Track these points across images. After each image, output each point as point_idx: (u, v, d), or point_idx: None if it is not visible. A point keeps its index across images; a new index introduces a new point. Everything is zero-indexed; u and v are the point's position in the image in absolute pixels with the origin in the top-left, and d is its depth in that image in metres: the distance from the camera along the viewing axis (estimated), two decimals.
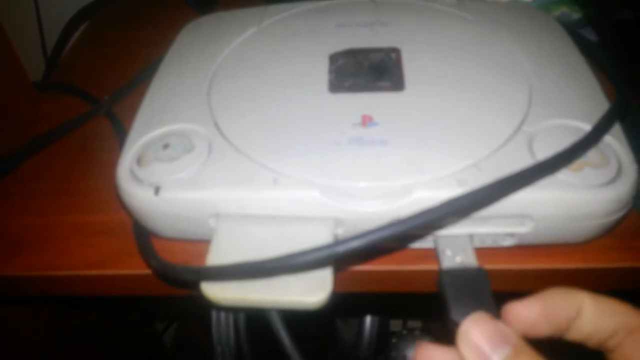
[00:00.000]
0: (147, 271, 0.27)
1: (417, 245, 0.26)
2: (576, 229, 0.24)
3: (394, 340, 0.58)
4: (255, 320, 0.25)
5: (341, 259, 0.20)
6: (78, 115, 0.36)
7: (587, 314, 0.19)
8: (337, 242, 0.20)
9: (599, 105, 0.27)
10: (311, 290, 0.22)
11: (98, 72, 0.43)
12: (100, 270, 0.27)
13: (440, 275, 0.22)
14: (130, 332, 0.61)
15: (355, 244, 0.19)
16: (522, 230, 0.24)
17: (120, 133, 0.34)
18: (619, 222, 0.25)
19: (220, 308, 0.24)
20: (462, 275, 0.22)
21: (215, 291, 0.22)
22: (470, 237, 0.24)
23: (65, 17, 0.48)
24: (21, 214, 0.31)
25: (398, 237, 0.20)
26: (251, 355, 0.25)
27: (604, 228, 0.24)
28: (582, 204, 0.23)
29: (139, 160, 0.26)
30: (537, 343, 0.18)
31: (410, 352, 0.58)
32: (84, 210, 0.31)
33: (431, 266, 0.25)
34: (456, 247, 0.24)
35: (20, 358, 0.40)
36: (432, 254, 0.25)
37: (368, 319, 0.60)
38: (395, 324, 0.66)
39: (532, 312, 0.19)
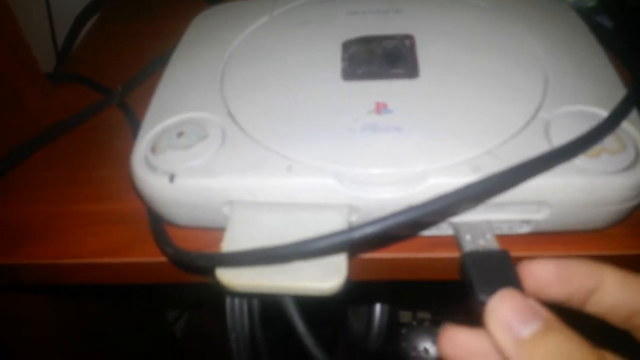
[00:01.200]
0: (160, 259, 0.27)
1: (434, 232, 0.25)
2: (593, 216, 0.24)
3: (403, 331, 0.59)
4: (269, 307, 0.25)
5: (356, 244, 0.20)
6: (90, 105, 0.36)
7: (609, 287, 0.18)
8: (353, 227, 0.19)
9: (616, 91, 0.27)
10: (326, 276, 0.22)
11: (108, 64, 0.43)
12: (110, 258, 0.27)
13: (463, 258, 0.21)
14: (141, 322, 0.62)
15: (370, 229, 0.19)
16: (539, 217, 0.24)
17: (133, 122, 0.34)
18: (637, 209, 0.24)
19: (234, 294, 0.24)
20: (485, 257, 0.21)
21: (230, 277, 0.22)
22: (487, 223, 0.24)
23: (75, 11, 0.48)
24: (32, 204, 0.31)
25: (413, 223, 0.20)
26: (265, 341, 0.25)
27: (621, 215, 0.24)
28: (599, 190, 0.23)
29: (153, 149, 0.26)
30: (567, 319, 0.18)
31: (419, 343, 0.58)
32: (95, 199, 0.31)
33: (447, 253, 0.25)
34: (476, 232, 0.23)
35: (31, 345, 0.40)
36: (448, 241, 0.25)
37: (377, 310, 0.60)
38: (405, 315, 0.66)
39: (546, 272, 0.19)
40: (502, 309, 0.17)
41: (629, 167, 0.23)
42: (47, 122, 0.36)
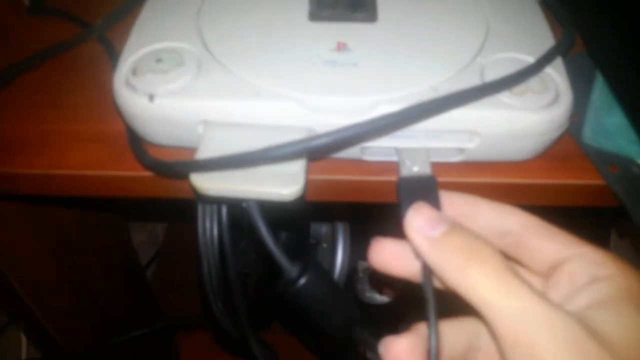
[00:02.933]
0: (138, 173, 0.30)
1: (382, 158, 0.29)
2: (517, 147, 0.28)
3: (361, 274, 0.63)
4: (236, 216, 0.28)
5: (313, 152, 0.23)
6: (72, 37, 0.38)
7: (483, 213, 0.23)
8: (310, 137, 0.23)
9: (547, 45, 0.30)
10: (286, 184, 0.25)
11: (89, 3, 0.44)
12: (95, 170, 0.30)
13: (398, 181, 0.25)
14: (114, 264, 0.64)
15: (323, 139, 0.23)
16: (470, 145, 0.28)
17: (112, 54, 0.36)
18: (555, 142, 0.29)
19: (206, 200, 0.28)
20: (416, 181, 0.25)
21: (203, 181, 0.25)
22: (426, 151, 0.28)
23: None
24: (19, 121, 0.33)
25: (359, 137, 0.23)
26: (232, 246, 0.28)
27: (541, 147, 0.28)
28: (521, 123, 0.27)
29: (134, 71, 0.29)
30: None
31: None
32: (76, 120, 0.33)
33: (392, 177, 0.29)
34: (414, 159, 0.27)
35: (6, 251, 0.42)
36: (394, 167, 0.28)
37: (339, 257, 0.64)
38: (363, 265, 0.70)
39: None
40: (416, 216, 0.21)
41: (550, 104, 0.27)
42: (30, 53, 0.38)
